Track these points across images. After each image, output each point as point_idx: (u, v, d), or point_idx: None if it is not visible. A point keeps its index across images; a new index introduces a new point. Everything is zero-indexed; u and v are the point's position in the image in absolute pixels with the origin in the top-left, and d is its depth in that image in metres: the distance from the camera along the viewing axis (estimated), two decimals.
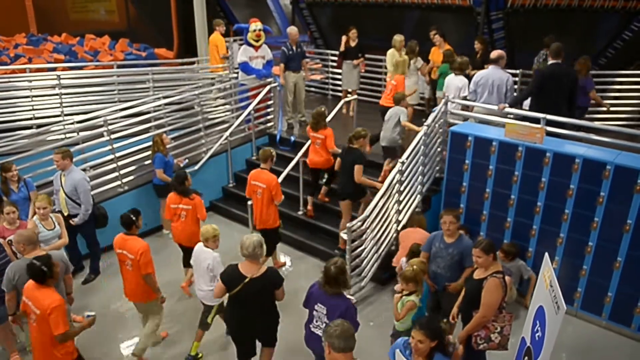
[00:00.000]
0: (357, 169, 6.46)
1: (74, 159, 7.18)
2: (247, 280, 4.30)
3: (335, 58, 11.19)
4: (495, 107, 6.80)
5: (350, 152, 6.62)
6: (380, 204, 6.24)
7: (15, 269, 4.65)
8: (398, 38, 9.32)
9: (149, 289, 5.09)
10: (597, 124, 7.18)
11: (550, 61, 6.66)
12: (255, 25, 9.29)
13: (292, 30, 9.59)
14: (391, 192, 6.39)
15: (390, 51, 9.41)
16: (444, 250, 5.03)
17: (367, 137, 6.78)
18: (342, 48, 10.20)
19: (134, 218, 5.10)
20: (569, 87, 6.56)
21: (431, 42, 9.50)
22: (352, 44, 10.06)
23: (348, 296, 4.46)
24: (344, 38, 10.11)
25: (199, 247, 5.28)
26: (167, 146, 7.49)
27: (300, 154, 7.72)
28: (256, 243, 4.37)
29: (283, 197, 6.48)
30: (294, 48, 9.38)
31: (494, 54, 7.30)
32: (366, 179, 6.64)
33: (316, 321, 4.27)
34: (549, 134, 6.04)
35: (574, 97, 6.64)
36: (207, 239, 5.19)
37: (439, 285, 5.11)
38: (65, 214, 6.42)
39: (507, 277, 5.62)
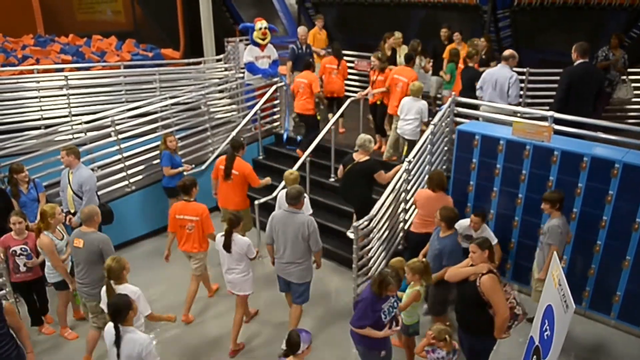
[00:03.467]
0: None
1: (82, 159, 7.24)
2: (354, 162, 6.29)
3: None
4: (500, 105, 6.82)
5: (468, 69, 8.12)
6: (387, 203, 6.24)
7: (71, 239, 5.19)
8: (398, 35, 9.50)
9: None
10: (605, 122, 7.13)
11: (579, 60, 6.65)
12: (261, 23, 9.32)
13: (302, 29, 9.59)
14: (398, 191, 6.39)
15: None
16: (435, 242, 5.27)
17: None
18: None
19: None
20: (595, 87, 6.57)
21: (438, 41, 9.47)
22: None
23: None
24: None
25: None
26: (170, 145, 7.48)
27: (309, 151, 7.74)
28: (366, 139, 6.35)
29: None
30: (304, 48, 9.40)
31: (505, 52, 7.41)
32: None
33: None
34: (557, 132, 6.01)
35: (600, 98, 6.67)
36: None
37: None
38: (72, 211, 6.45)
39: None
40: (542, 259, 5.46)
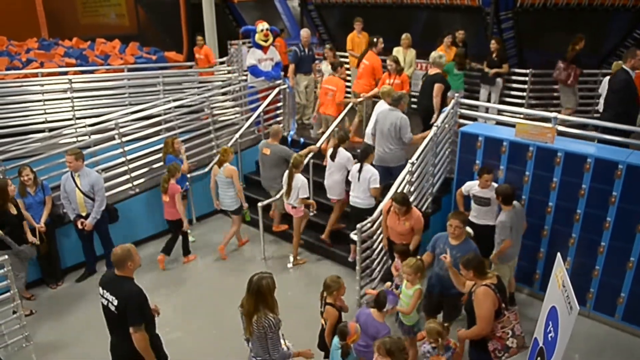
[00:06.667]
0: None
1: (86, 162, 7.27)
2: (427, 75, 7.67)
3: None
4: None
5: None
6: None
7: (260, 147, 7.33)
8: (404, 36, 9.55)
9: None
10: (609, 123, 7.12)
11: None
12: (262, 25, 9.36)
13: (305, 32, 9.63)
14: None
15: (396, 49, 9.58)
16: (448, 252, 4.91)
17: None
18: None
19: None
20: (617, 92, 6.53)
21: (439, 44, 9.49)
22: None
23: None
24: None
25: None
26: (177, 147, 7.55)
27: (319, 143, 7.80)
28: (437, 55, 7.61)
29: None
30: (306, 50, 9.43)
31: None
32: None
33: None
34: (560, 133, 6.01)
35: (626, 101, 6.53)
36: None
37: (443, 287, 5.06)
38: (84, 214, 6.52)
39: None
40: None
